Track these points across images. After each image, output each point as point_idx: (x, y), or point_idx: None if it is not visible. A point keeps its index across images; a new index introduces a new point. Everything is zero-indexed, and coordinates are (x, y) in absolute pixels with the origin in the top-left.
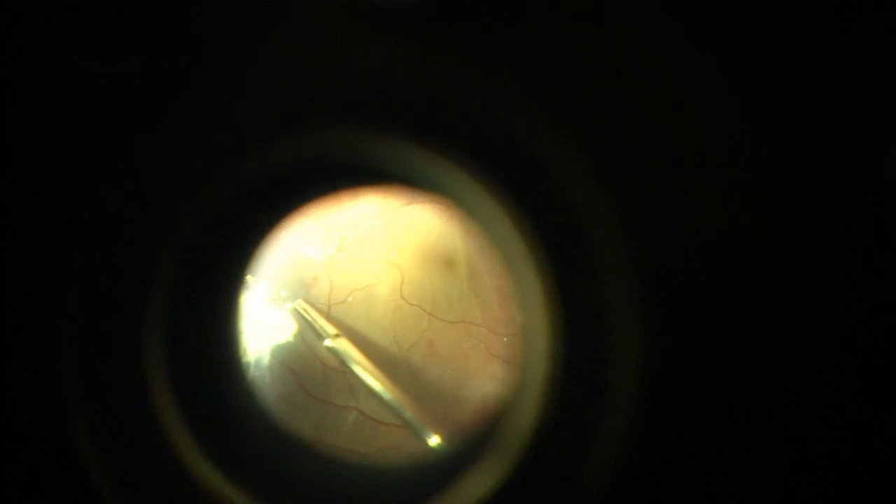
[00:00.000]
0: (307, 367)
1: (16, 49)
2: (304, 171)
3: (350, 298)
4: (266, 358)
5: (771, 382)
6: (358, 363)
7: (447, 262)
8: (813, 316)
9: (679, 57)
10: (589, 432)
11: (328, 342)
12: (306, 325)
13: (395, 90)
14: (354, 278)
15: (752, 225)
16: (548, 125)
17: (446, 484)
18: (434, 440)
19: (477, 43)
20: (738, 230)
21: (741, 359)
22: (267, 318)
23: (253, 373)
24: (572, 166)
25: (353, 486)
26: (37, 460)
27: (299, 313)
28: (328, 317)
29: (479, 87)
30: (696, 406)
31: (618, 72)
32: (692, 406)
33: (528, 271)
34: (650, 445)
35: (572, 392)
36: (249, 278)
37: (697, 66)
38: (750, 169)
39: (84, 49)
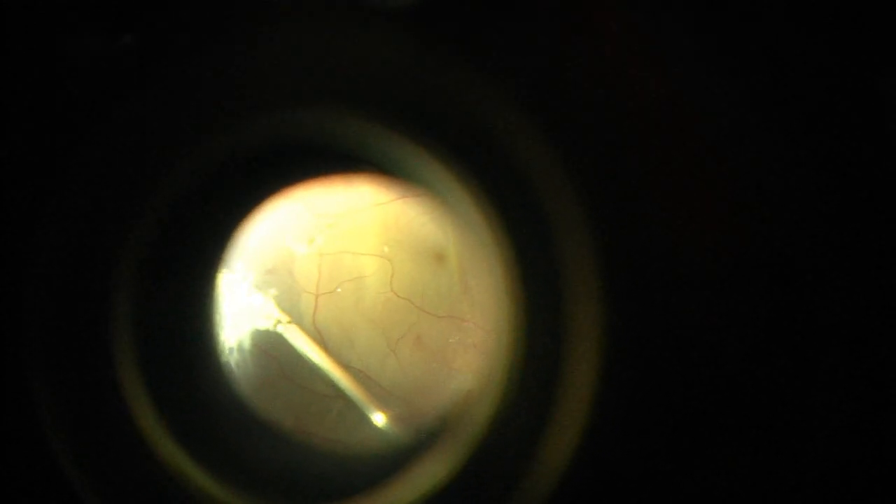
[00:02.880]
0: (289, 353)
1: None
2: (278, 154)
3: (339, 289)
4: (247, 343)
5: (731, 380)
6: (305, 348)
7: (437, 257)
8: (783, 315)
9: (656, 60)
10: (544, 422)
11: (280, 328)
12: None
13: (375, 78)
14: (344, 269)
15: (719, 225)
16: (526, 125)
17: (401, 470)
18: (380, 419)
19: (465, 39)
20: (705, 231)
21: (701, 357)
22: (251, 303)
23: (232, 358)
24: (544, 164)
25: (316, 471)
26: (4, 449)
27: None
28: (315, 307)
29: (461, 82)
30: (654, 401)
31: (599, 75)
32: (649, 401)
33: (494, 264)
34: (605, 438)
35: (529, 383)
36: (233, 263)
37: (674, 69)
38: (719, 166)
39: (76, 27)
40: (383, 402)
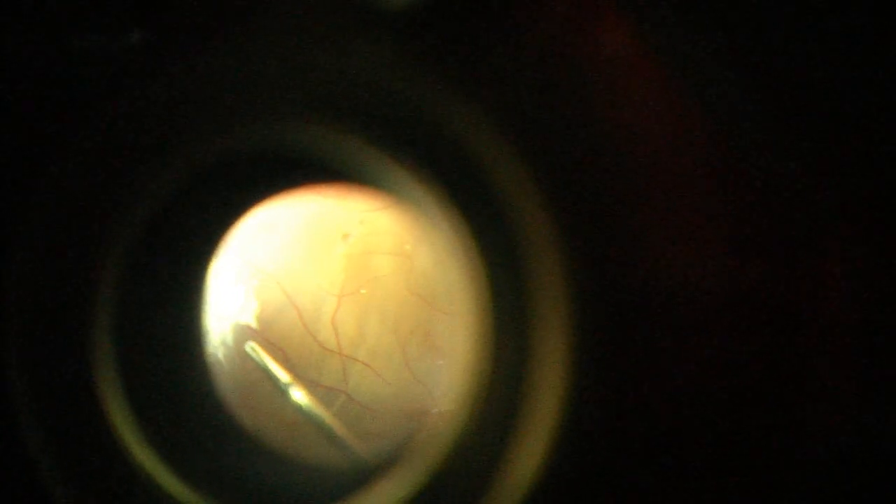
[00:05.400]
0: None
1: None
2: (267, 160)
3: (363, 290)
4: (234, 347)
5: (704, 400)
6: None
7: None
8: (765, 342)
9: (639, 79)
10: (508, 442)
11: (249, 345)
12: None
13: (354, 90)
14: (366, 270)
15: (697, 231)
16: (504, 143)
17: (365, 486)
18: (353, 452)
19: (445, 52)
20: (682, 250)
21: (673, 371)
22: (239, 306)
23: (215, 361)
24: (518, 181)
25: (288, 482)
26: None
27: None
28: (338, 306)
29: (440, 96)
30: (623, 416)
31: (580, 98)
32: (618, 416)
33: (465, 276)
34: (572, 455)
35: (495, 402)
36: (224, 265)
37: (657, 88)
38: (701, 169)
39: (84, 25)
40: (355, 419)
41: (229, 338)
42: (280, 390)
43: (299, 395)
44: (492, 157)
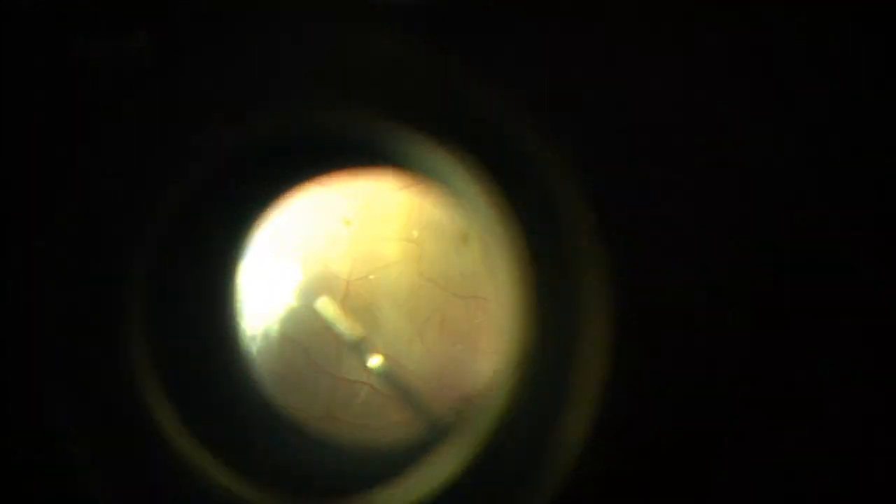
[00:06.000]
0: (317, 340)
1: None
2: (298, 147)
3: (371, 276)
4: (271, 331)
5: (746, 367)
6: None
7: (462, 238)
8: (798, 310)
9: (665, 55)
10: (557, 411)
11: (321, 300)
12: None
13: (383, 74)
14: (374, 256)
15: (733, 220)
16: (535, 120)
17: (417, 463)
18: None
19: (475, 32)
20: (718, 226)
21: (711, 349)
22: (275, 291)
23: (254, 346)
24: (555, 159)
25: (333, 465)
26: (18, 451)
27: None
28: (347, 291)
29: (473, 77)
30: (667, 393)
31: (610, 75)
32: (662, 394)
33: (507, 250)
34: (618, 430)
35: (540, 374)
36: (256, 252)
37: (682, 65)
38: (735, 160)
39: (92, 28)
40: (408, 389)
41: (263, 322)
42: (350, 347)
43: (369, 353)
44: (523, 131)
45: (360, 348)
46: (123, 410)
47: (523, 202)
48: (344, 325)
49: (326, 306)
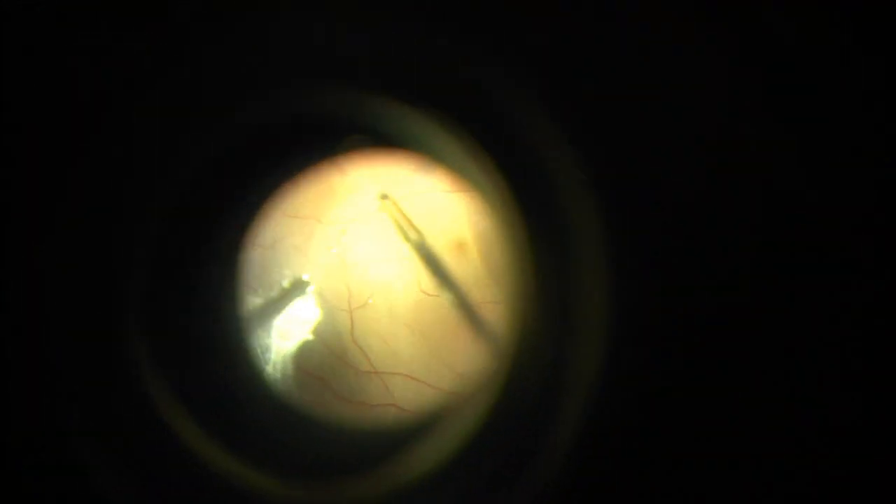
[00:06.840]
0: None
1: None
2: (299, 131)
3: (371, 300)
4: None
5: (745, 363)
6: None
7: (458, 245)
8: (798, 296)
9: (663, 37)
10: (552, 397)
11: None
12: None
13: (392, 52)
14: (372, 279)
15: (732, 200)
16: (540, 105)
17: (410, 445)
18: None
19: (475, 9)
20: (717, 206)
21: (712, 340)
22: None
23: (255, 336)
24: (555, 136)
25: (329, 447)
26: (28, 452)
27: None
28: (351, 321)
29: (473, 52)
30: (663, 383)
31: (621, 63)
32: (659, 383)
33: (509, 245)
34: (614, 416)
35: (538, 359)
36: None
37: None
38: (730, 141)
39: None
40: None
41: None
42: (410, 245)
43: (428, 252)
44: (529, 114)
45: (419, 246)
46: (126, 405)
47: (527, 189)
48: (406, 224)
49: (388, 205)
